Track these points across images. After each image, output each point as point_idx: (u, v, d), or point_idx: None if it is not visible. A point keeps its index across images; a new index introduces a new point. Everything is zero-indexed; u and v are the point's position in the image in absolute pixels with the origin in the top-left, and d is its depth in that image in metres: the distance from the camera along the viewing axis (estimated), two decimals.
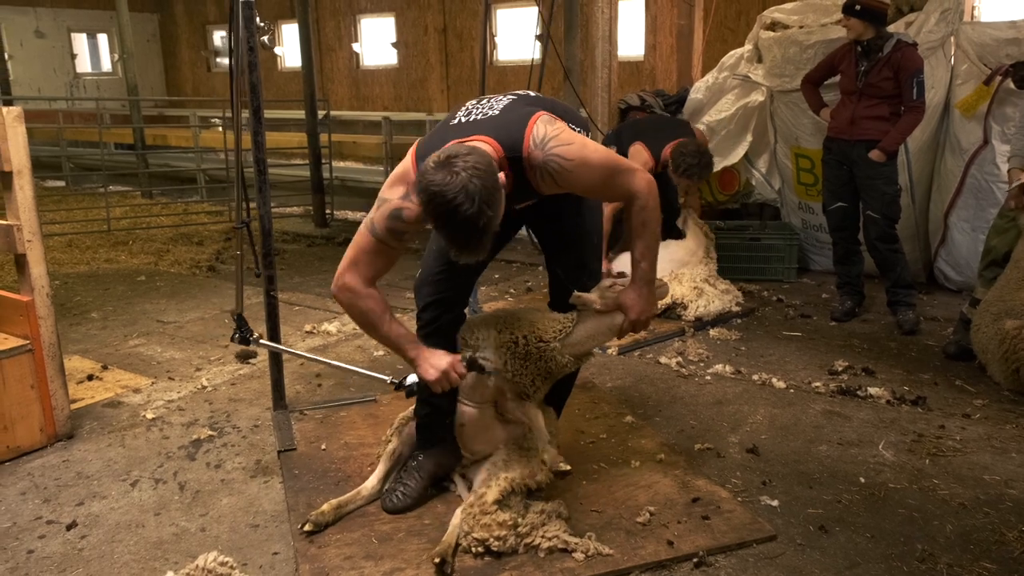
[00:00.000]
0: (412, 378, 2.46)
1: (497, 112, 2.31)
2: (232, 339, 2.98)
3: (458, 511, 2.43)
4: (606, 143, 4.66)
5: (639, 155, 4.53)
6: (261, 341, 3.03)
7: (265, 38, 2.79)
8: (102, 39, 16.29)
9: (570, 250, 2.63)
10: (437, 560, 2.24)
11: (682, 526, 2.47)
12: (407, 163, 2.30)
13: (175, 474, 2.92)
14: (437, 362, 2.35)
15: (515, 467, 2.48)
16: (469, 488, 2.57)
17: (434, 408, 2.63)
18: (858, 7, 4.18)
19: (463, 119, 2.32)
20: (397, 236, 2.28)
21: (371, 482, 2.66)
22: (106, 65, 16.39)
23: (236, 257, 3.16)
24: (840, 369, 3.81)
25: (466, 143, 2.16)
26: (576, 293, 2.50)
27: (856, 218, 4.56)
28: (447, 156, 2.05)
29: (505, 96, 2.41)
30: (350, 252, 2.31)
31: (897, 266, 4.44)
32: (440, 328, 2.55)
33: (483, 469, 2.54)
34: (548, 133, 2.24)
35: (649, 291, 2.47)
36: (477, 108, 2.35)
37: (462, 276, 2.52)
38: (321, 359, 3.03)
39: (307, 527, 2.45)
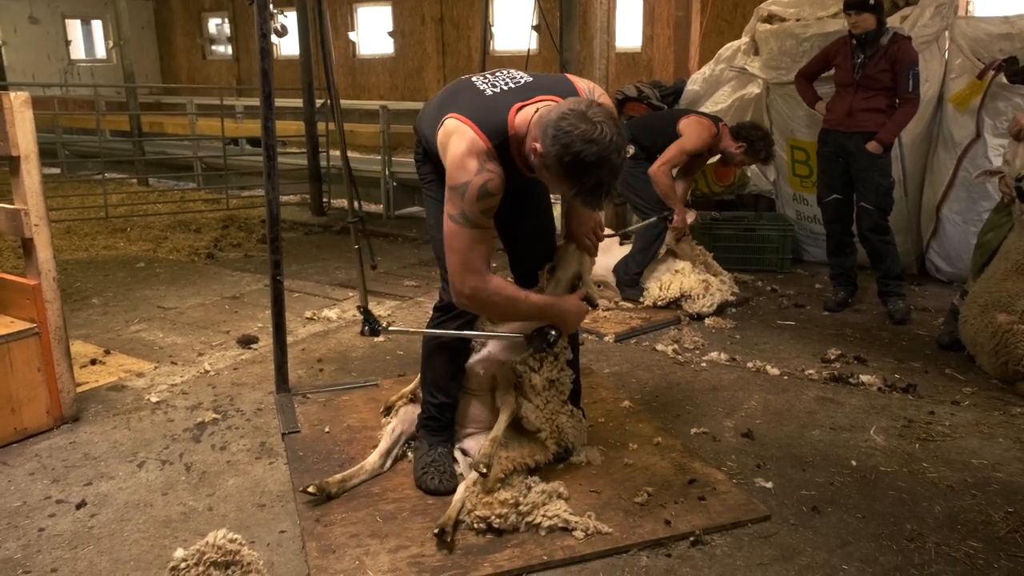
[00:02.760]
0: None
1: (531, 79, 2.33)
2: (362, 332, 2.75)
3: (461, 486, 2.50)
4: None
5: (695, 124, 4.47)
6: (391, 328, 2.87)
7: (278, 25, 2.83)
8: (96, 25, 16.20)
9: (535, 235, 2.68)
10: (436, 531, 2.31)
11: (679, 506, 2.54)
12: (470, 135, 2.18)
13: (181, 455, 2.97)
14: (578, 306, 2.47)
15: (514, 447, 2.56)
16: (471, 466, 2.63)
17: (450, 400, 2.71)
18: (872, 1, 4.21)
19: (510, 85, 2.30)
20: (489, 214, 2.24)
21: (373, 458, 2.73)
22: (100, 52, 16.31)
23: (356, 251, 3.20)
24: (833, 357, 3.88)
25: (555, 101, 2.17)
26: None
27: (850, 210, 4.62)
28: (583, 107, 2.06)
29: (508, 70, 2.40)
30: (454, 259, 2.22)
31: (888, 257, 4.50)
32: None
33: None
34: (593, 86, 2.36)
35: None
36: (499, 79, 2.32)
37: None
38: (455, 332, 2.71)
39: (311, 488, 2.53)
